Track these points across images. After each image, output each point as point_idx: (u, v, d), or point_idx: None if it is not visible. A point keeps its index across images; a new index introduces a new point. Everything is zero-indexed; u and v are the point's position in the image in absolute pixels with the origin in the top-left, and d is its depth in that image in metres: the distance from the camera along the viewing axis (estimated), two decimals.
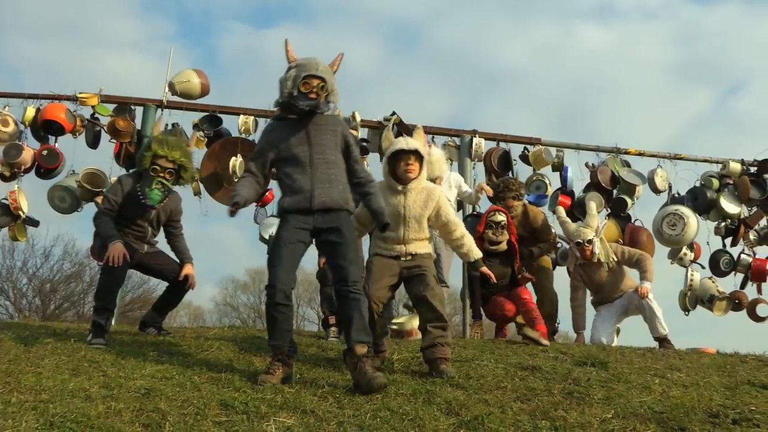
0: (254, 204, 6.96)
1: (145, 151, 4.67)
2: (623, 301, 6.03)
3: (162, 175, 4.61)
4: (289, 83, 3.63)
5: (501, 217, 5.55)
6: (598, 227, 6.03)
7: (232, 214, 3.58)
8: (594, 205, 6.36)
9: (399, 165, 3.99)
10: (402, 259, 3.97)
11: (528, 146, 7.41)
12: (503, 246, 5.50)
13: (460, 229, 4.19)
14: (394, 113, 6.85)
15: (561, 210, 6.41)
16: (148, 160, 4.61)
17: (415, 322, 5.50)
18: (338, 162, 3.73)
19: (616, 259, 6.00)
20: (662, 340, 5.75)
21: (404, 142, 4.02)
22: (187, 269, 4.84)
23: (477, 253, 4.24)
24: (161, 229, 4.93)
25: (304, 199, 3.60)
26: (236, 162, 6.55)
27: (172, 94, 6.81)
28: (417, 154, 4.00)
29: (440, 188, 4.64)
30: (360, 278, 3.61)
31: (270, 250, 3.69)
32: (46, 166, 6.58)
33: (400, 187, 4.00)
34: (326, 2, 68.90)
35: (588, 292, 6.19)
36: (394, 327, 5.49)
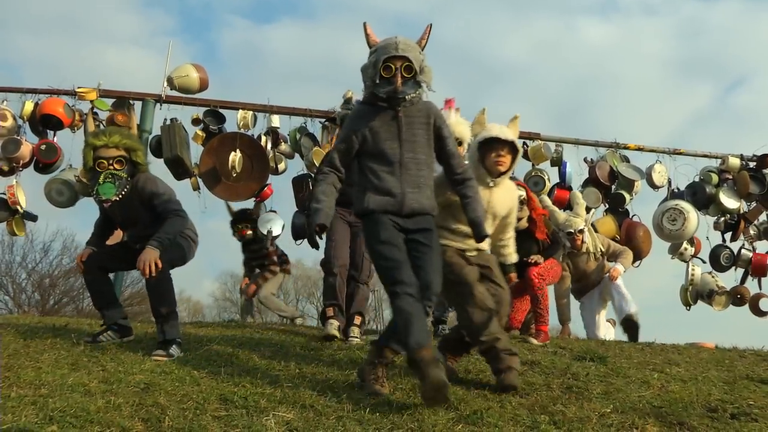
0: (252, 198, 6.98)
1: (84, 151, 4.14)
2: (600, 287, 6.09)
3: (110, 167, 4.05)
4: (370, 70, 3.28)
5: (521, 192, 4.94)
6: (587, 217, 6.07)
7: (318, 236, 3.27)
8: (580, 195, 6.41)
9: (488, 154, 3.59)
10: (468, 254, 3.59)
11: (527, 141, 7.40)
12: (524, 223, 5.08)
13: (512, 232, 3.89)
14: None
15: (545, 198, 6.36)
16: (90, 158, 4.08)
17: None
18: (428, 162, 3.36)
19: (602, 250, 6.06)
20: (630, 322, 5.75)
21: (499, 130, 3.62)
22: (143, 253, 3.87)
23: (514, 258, 3.92)
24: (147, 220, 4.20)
25: (394, 203, 3.25)
26: (235, 157, 6.56)
27: (171, 89, 6.79)
28: (511, 147, 3.63)
29: (517, 190, 4.10)
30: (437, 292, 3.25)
31: (374, 252, 3.29)
32: (45, 161, 6.56)
33: (489, 180, 3.61)
34: None
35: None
36: None
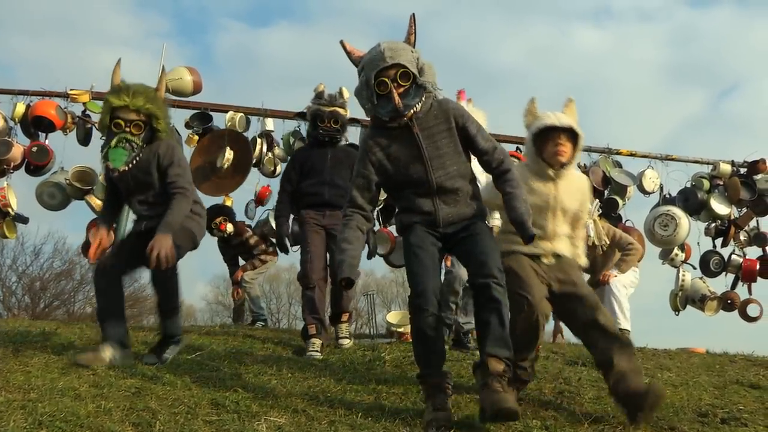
0: (253, 202, 6.97)
1: (103, 107, 3.76)
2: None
3: (127, 129, 3.64)
4: (365, 92, 2.92)
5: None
6: (590, 210, 5.83)
7: (344, 290, 3.02)
8: None
9: (546, 145, 3.28)
10: (544, 260, 3.24)
11: (520, 146, 7.41)
12: None
13: (583, 229, 3.56)
14: None
15: None
16: (107, 117, 3.66)
17: None
18: (462, 171, 3.00)
19: (607, 242, 5.86)
20: None
21: (554, 118, 3.31)
22: (155, 240, 3.49)
23: (583, 262, 3.56)
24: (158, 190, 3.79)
25: (429, 221, 2.97)
26: (230, 155, 6.55)
27: (165, 92, 6.77)
28: (570, 133, 3.30)
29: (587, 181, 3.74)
30: (502, 270, 2.89)
31: (405, 259, 3.03)
32: (36, 163, 6.53)
33: (551, 172, 3.29)
34: (323, 2, 68.85)
35: None
36: (394, 328, 5.48)
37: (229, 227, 6.67)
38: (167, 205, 3.65)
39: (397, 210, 3.16)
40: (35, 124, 6.52)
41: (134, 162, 3.67)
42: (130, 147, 3.64)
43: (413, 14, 3.03)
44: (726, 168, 7.75)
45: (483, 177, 6.00)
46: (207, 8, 65.43)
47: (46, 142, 6.62)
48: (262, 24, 68.09)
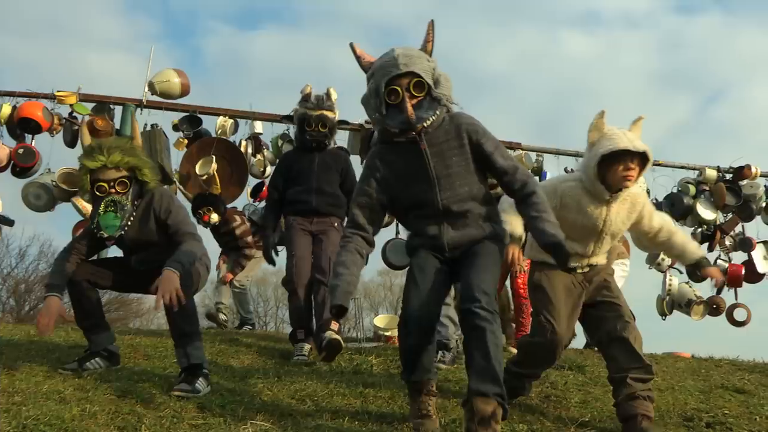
0: (251, 200, 6.94)
1: (80, 171, 3.47)
2: None
3: (112, 191, 3.39)
4: (373, 101, 2.66)
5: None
6: None
7: (335, 320, 2.69)
8: None
9: (615, 168, 2.96)
10: (578, 270, 3.11)
11: (508, 150, 7.44)
12: None
13: (668, 227, 3.25)
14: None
15: None
16: (87, 182, 3.41)
17: None
18: (473, 192, 2.70)
19: None
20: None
21: (626, 140, 2.96)
22: (163, 281, 3.06)
23: (696, 250, 3.28)
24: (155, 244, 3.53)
25: (436, 246, 2.72)
26: (214, 167, 6.56)
27: (152, 94, 6.76)
28: (642, 158, 3.00)
29: (641, 191, 3.41)
30: (493, 292, 2.56)
31: (406, 281, 2.80)
32: (22, 165, 6.48)
33: (607, 196, 3.02)
34: (312, 6, 68.72)
35: None
36: (381, 332, 5.46)
37: (213, 217, 6.22)
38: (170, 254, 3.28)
39: (407, 231, 2.94)
40: (21, 126, 6.48)
41: (129, 224, 3.43)
42: (121, 209, 3.38)
43: (432, 21, 2.75)
44: (712, 174, 7.82)
45: None
46: (196, 11, 65.25)
47: (33, 143, 6.58)
48: (251, 27, 67.94)
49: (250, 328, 6.90)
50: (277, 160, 5.88)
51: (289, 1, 64.95)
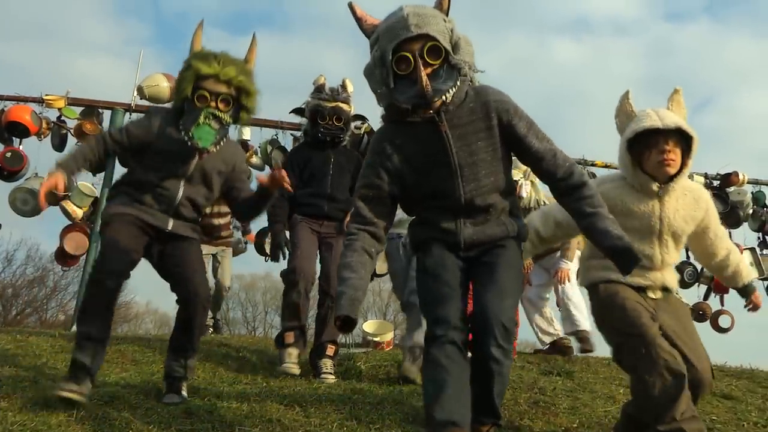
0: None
1: (184, 72, 3.08)
2: (551, 270, 5.15)
3: (213, 104, 3.04)
4: (378, 71, 2.19)
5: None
6: (527, 170, 5.00)
7: (340, 331, 2.25)
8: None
9: (648, 153, 2.60)
10: (650, 294, 2.65)
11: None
12: None
13: (725, 244, 2.85)
14: (364, 121, 5.76)
15: None
16: (190, 85, 3.03)
17: (391, 335, 5.48)
18: (499, 183, 2.33)
19: (546, 202, 4.90)
20: (581, 338, 4.97)
21: (656, 117, 2.57)
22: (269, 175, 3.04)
23: (749, 273, 2.94)
24: (210, 199, 3.27)
25: (449, 242, 2.36)
26: None
27: (141, 98, 6.73)
28: (679, 135, 2.59)
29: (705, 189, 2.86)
30: (513, 322, 2.19)
31: (417, 285, 2.45)
32: (10, 169, 6.43)
33: (655, 187, 2.62)
34: (303, 10, 68.92)
35: None
36: (370, 337, 5.46)
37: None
38: (186, 217, 3.13)
39: (414, 221, 2.51)
40: (9, 130, 6.43)
41: (220, 145, 3.11)
42: (220, 124, 3.06)
43: None
44: (699, 180, 7.87)
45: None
46: (187, 15, 65.24)
47: (21, 147, 6.53)
48: (242, 32, 67.97)
49: (211, 331, 6.37)
50: (288, 153, 5.46)
51: (280, 4, 65.05)
